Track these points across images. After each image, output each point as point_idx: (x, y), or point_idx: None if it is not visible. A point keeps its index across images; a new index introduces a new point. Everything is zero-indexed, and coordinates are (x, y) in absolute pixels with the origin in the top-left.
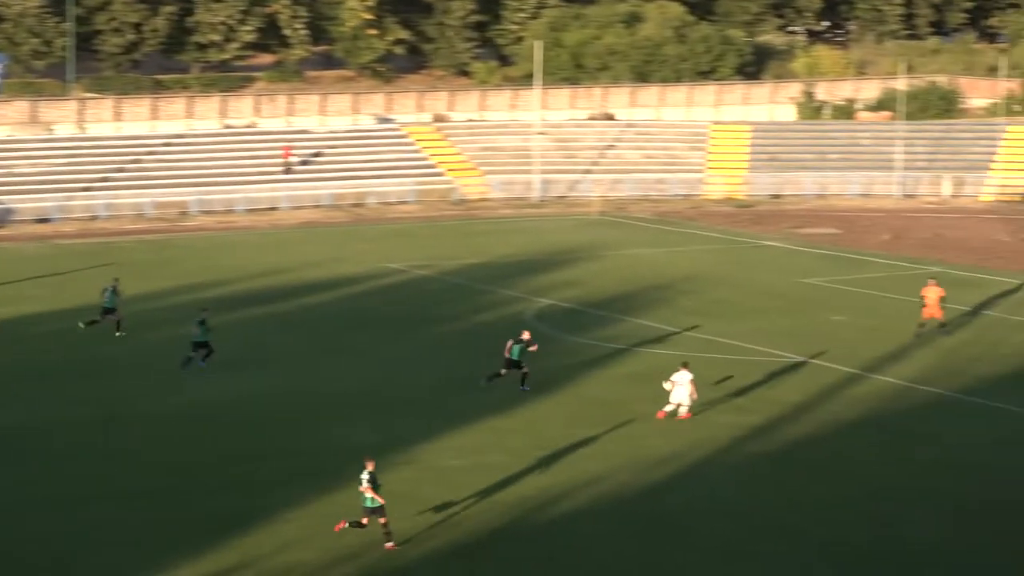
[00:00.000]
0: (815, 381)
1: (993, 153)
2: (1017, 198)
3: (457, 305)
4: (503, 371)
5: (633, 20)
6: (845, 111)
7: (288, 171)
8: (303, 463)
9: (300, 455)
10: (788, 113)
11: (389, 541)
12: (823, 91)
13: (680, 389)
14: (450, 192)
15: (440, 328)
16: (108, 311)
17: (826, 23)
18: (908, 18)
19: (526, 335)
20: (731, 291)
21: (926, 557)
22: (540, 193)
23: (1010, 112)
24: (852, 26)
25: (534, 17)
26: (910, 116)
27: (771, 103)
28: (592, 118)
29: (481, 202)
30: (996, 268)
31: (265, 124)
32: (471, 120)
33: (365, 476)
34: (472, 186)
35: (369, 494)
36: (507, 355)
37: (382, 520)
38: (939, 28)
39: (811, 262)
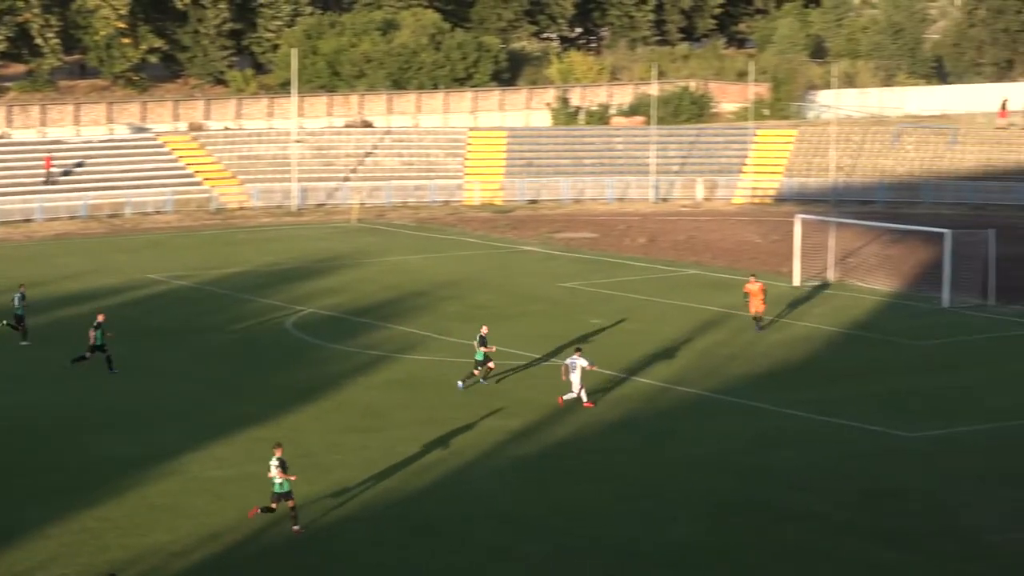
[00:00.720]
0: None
1: (744, 156)
2: (768, 200)
3: (218, 315)
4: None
5: (389, 28)
6: (599, 116)
7: (48, 182)
8: (63, 478)
9: (60, 470)
10: (543, 119)
11: (296, 524)
12: (577, 97)
13: (575, 375)
14: (208, 201)
15: (201, 338)
16: (20, 319)
17: (579, 29)
18: (659, 24)
19: (484, 330)
20: (492, 296)
21: (686, 556)
22: (299, 201)
23: (759, 116)
24: (605, 32)
25: (290, 25)
26: (663, 121)
27: (527, 109)
28: (349, 125)
29: (240, 211)
30: (749, 269)
31: (18, 135)
32: (228, 128)
33: (274, 462)
34: (230, 195)
35: (280, 478)
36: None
37: (290, 503)
38: (689, 34)
39: (569, 266)
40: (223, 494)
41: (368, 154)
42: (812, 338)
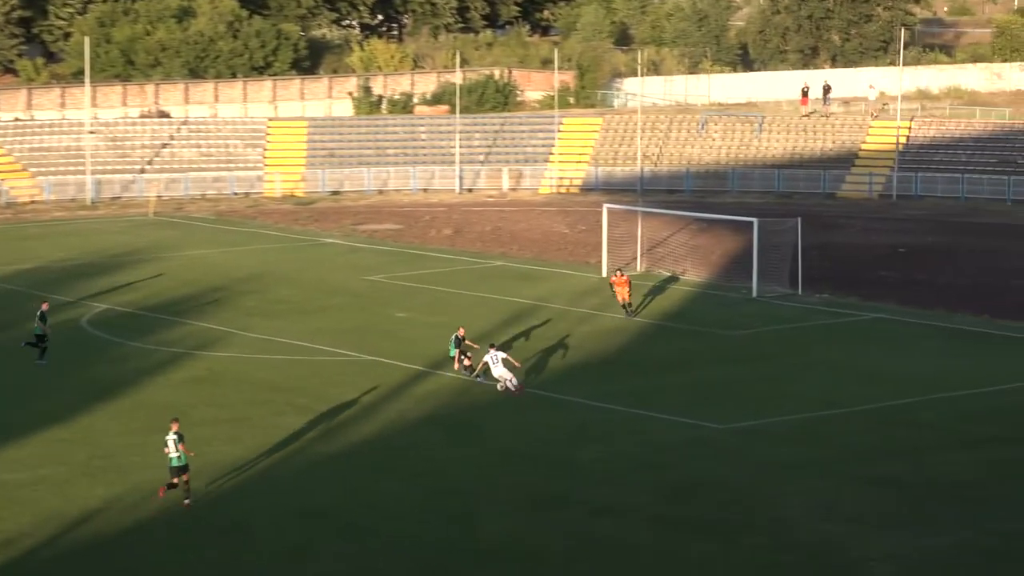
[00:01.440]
0: (381, 379)
1: (550, 145)
2: (574, 190)
3: (9, 313)
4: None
5: (185, 15)
6: (403, 105)
7: None
8: None
9: None
10: (345, 108)
11: (187, 499)
12: (380, 86)
13: (498, 368)
14: None
15: None
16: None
17: (380, 17)
18: (462, 12)
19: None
20: (293, 290)
21: (498, 553)
22: (93, 194)
23: (564, 104)
24: (406, 20)
25: (82, 12)
26: (467, 110)
27: (328, 98)
28: (145, 116)
29: (31, 205)
30: (556, 260)
31: None
32: (18, 120)
33: (171, 436)
34: (21, 188)
35: (176, 452)
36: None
37: (185, 477)
38: (492, 22)
39: (373, 259)
40: (17, 499)
41: (165, 145)
42: (622, 329)
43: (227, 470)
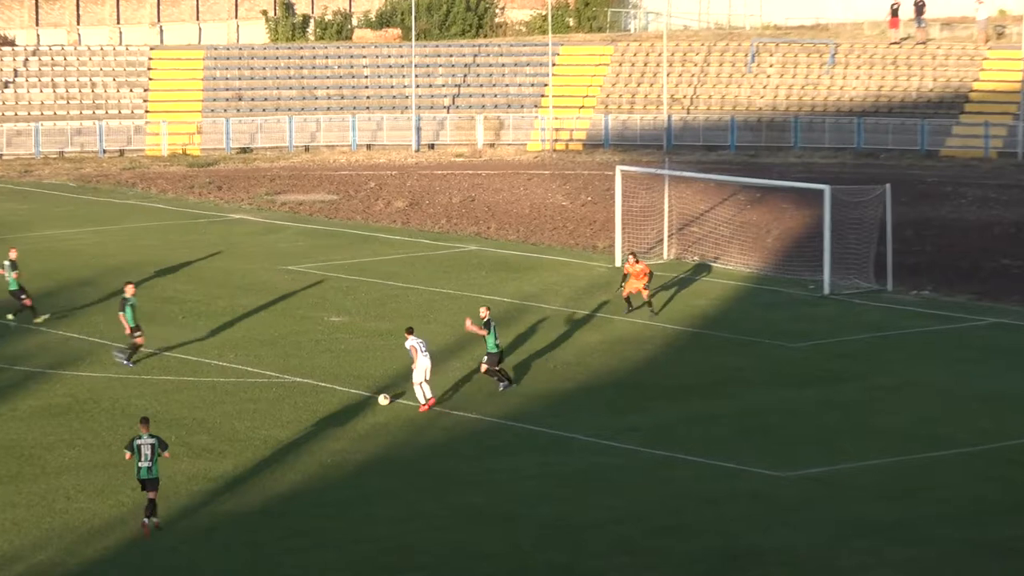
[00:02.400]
0: (310, 409)
1: (543, 85)
2: (575, 147)
3: None
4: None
5: None
6: (337, 29)
7: None
8: None
9: None
10: (257, 33)
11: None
12: (305, 2)
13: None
14: None
15: None
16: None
17: None
18: None
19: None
20: (188, 285)
21: None
22: None
23: (561, 28)
24: None
25: None
26: (426, 35)
27: (233, 19)
28: None
29: None
30: (551, 243)
31: None
32: None
33: (149, 441)
34: None
35: (148, 462)
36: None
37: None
38: None
39: (299, 242)
40: None
41: (6, 85)
42: (640, 339)
43: (93, 534)
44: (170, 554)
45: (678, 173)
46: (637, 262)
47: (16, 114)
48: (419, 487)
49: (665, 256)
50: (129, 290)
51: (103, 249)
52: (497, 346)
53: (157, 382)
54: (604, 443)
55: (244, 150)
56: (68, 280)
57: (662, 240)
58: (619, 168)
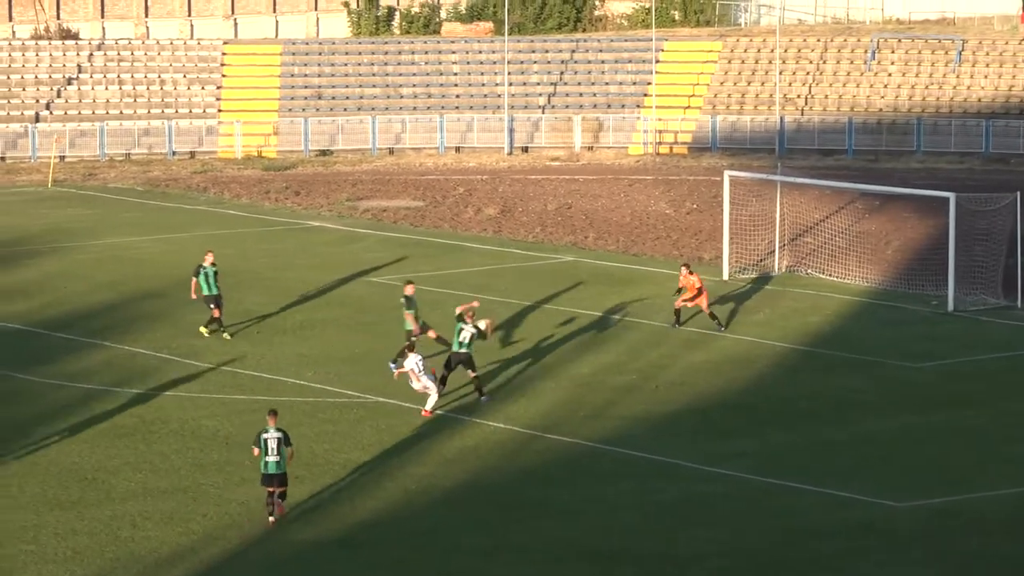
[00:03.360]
0: (393, 431)
1: (646, 84)
2: (680, 150)
3: None
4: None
5: None
6: (424, 23)
7: None
8: None
9: None
10: (339, 26)
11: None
12: None
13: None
14: None
15: None
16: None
17: None
18: None
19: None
20: (263, 297)
21: None
22: None
23: (666, 21)
24: None
25: None
26: (520, 29)
27: (314, 10)
28: (40, 37)
29: None
30: (654, 254)
31: None
32: None
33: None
34: None
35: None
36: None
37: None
38: None
39: (381, 251)
40: None
41: (70, 81)
42: (749, 358)
43: (160, 564)
44: None
45: (791, 179)
46: (691, 274)
47: (80, 113)
48: (510, 516)
49: (777, 268)
50: (208, 258)
51: (172, 258)
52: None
53: (230, 401)
54: (709, 470)
55: (324, 152)
56: (135, 292)
57: (774, 251)
58: (727, 173)
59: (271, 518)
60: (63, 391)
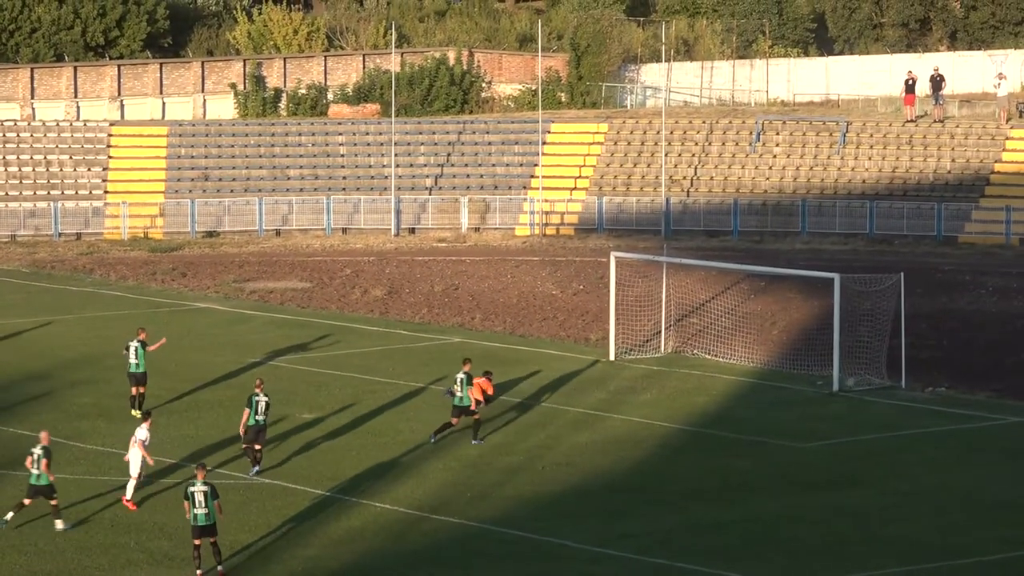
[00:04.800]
0: (279, 512)
1: (532, 165)
2: (567, 231)
3: None
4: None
5: None
6: (311, 104)
7: None
8: None
9: None
10: (226, 108)
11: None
12: (276, 74)
13: (134, 453)
14: None
15: None
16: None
17: None
18: None
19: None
20: (151, 378)
21: None
22: None
23: (552, 103)
24: None
25: None
26: (408, 111)
27: (200, 93)
28: None
29: None
30: (540, 336)
31: None
32: None
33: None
34: None
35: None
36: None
37: (53, 502)
38: None
39: (267, 333)
40: None
41: None
42: (636, 439)
43: None
44: None
45: (677, 260)
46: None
47: None
48: None
49: (663, 349)
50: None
51: (58, 341)
52: (257, 420)
53: (115, 483)
54: (597, 551)
55: (210, 234)
56: (19, 374)
57: (660, 332)
58: (614, 254)
59: (198, 572)
60: None
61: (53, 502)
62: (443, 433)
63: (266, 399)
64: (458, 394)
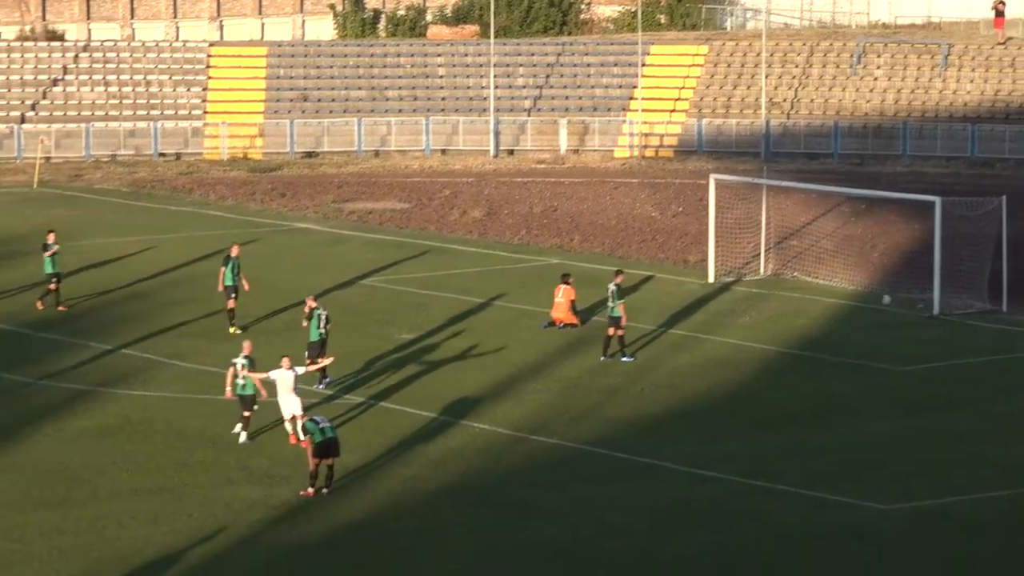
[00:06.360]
0: (379, 432)
1: (631, 87)
2: (666, 153)
3: None
4: None
5: None
6: (410, 25)
7: None
8: None
9: None
10: (324, 29)
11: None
12: None
13: (288, 399)
14: None
15: None
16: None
17: None
18: None
19: None
20: (248, 298)
21: None
22: None
23: (652, 25)
24: None
25: None
26: (506, 32)
27: (299, 13)
28: (26, 38)
29: None
30: (639, 257)
31: None
32: None
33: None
34: None
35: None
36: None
37: (246, 413)
38: None
39: (368, 253)
40: None
41: (56, 82)
42: (735, 361)
43: (147, 565)
44: None
45: (777, 183)
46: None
47: (66, 114)
48: (495, 519)
49: (762, 272)
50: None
51: (156, 259)
52: (320, 335)
53: (214, 402)
54: (696, 472)
55: (309, 154)
56: (119, 293)
57: (759, 255)
58: (713, 177)
59: (310, 489)
60: (48, 391)
61: (247, 413)
62: (609, 350)
63: (325, 312)
64: (610, 304)
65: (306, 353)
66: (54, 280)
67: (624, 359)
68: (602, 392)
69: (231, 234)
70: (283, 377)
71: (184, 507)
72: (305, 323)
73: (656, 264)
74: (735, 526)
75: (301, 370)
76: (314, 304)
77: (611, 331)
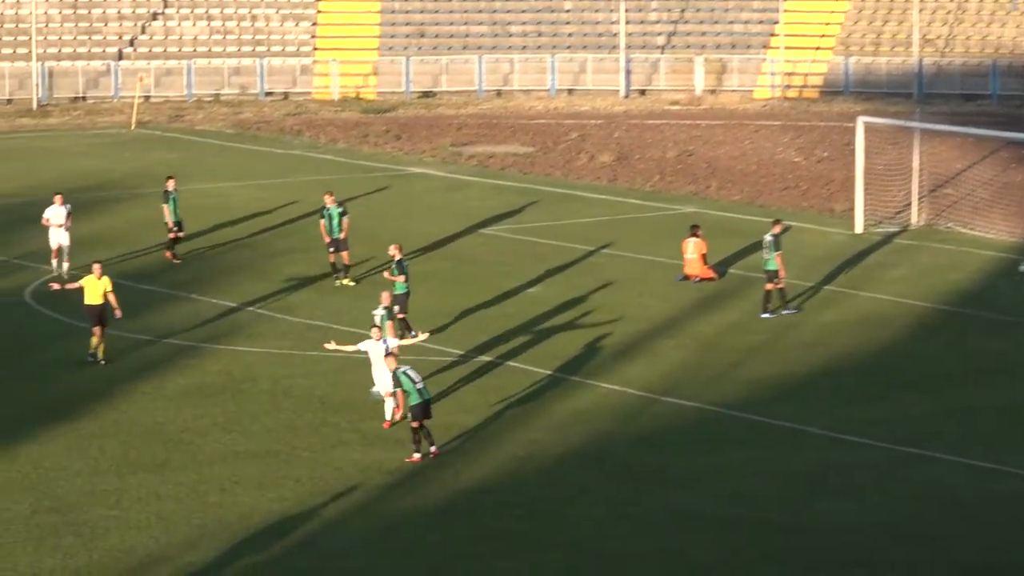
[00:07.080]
0: (500, 393)
1: (772, 23)
2: (810, 93)
3: None
4: None
5: None
6: None
7: None
8: None
9: None
10: None
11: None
12: None
13: (383, 374)
14: None
15: None
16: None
17: None
18: None
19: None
20: (362, 249)
21: None
22: (43, 92)
23: None
24: None
25: None
26: None
27: None
28: None
29: None
30: (781, 204)
31: None
32: None
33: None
34: None
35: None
36: None
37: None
38: None
39: (489, 201)
40: None
41: (155, 16)
42: (886, 319)
43: (247, 534)
44: (342, 558)
45: (931, 126)
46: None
47: (166, 51)
48: (625, 485)
49: (914, 222)
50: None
51: (263, 205)
52: (406, 287)
53: (324, 359)
54: (842, 437)
55: (426, 94)
56: (222, 242)
57: (911, 203)
58: (861, 120)
59: (417, 455)
60: (146, 347)
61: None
62: (770, 304)
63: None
64: (765, 256)
65: (396, 308)
66: (175, 228)
67: (785, 312)
68: (741, 351)
69: (343, 179)
70: (374, 349)
71: (291, 472)
72: (388, 275)
73: (799, 213)
74: (884, 495)
75: (393, 343)
76: (398, 255)
77: (769, 285)
